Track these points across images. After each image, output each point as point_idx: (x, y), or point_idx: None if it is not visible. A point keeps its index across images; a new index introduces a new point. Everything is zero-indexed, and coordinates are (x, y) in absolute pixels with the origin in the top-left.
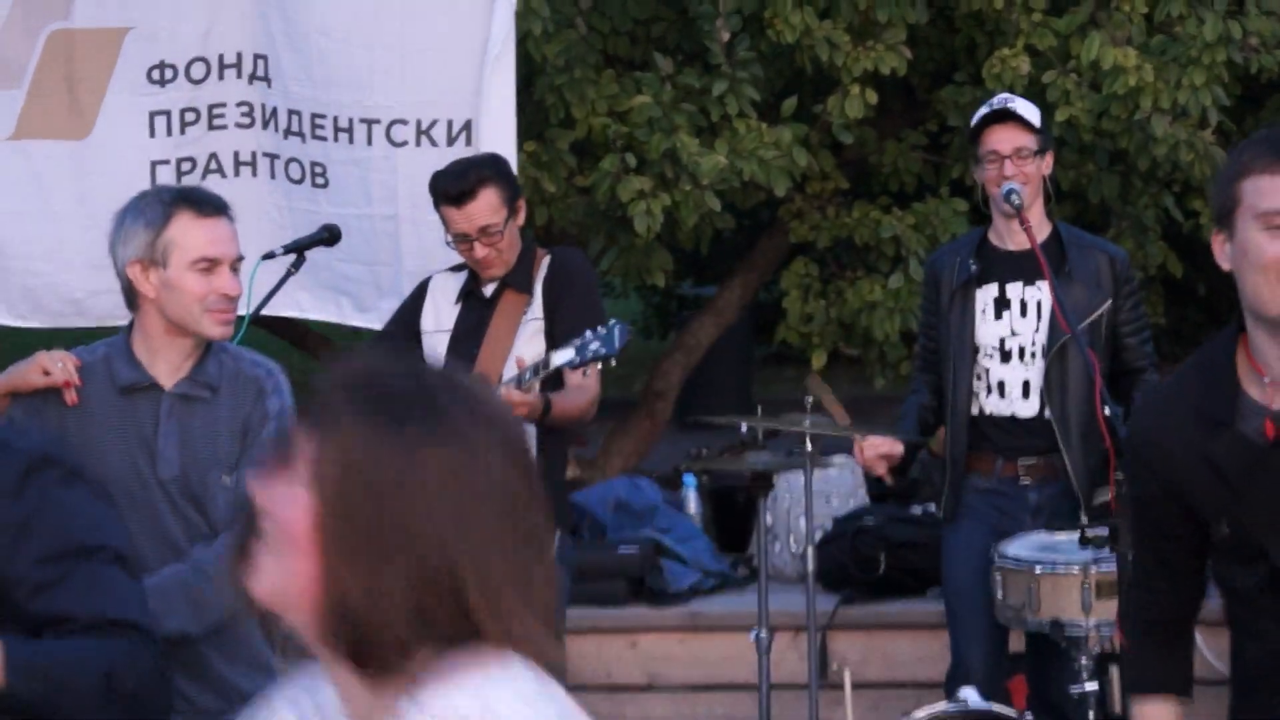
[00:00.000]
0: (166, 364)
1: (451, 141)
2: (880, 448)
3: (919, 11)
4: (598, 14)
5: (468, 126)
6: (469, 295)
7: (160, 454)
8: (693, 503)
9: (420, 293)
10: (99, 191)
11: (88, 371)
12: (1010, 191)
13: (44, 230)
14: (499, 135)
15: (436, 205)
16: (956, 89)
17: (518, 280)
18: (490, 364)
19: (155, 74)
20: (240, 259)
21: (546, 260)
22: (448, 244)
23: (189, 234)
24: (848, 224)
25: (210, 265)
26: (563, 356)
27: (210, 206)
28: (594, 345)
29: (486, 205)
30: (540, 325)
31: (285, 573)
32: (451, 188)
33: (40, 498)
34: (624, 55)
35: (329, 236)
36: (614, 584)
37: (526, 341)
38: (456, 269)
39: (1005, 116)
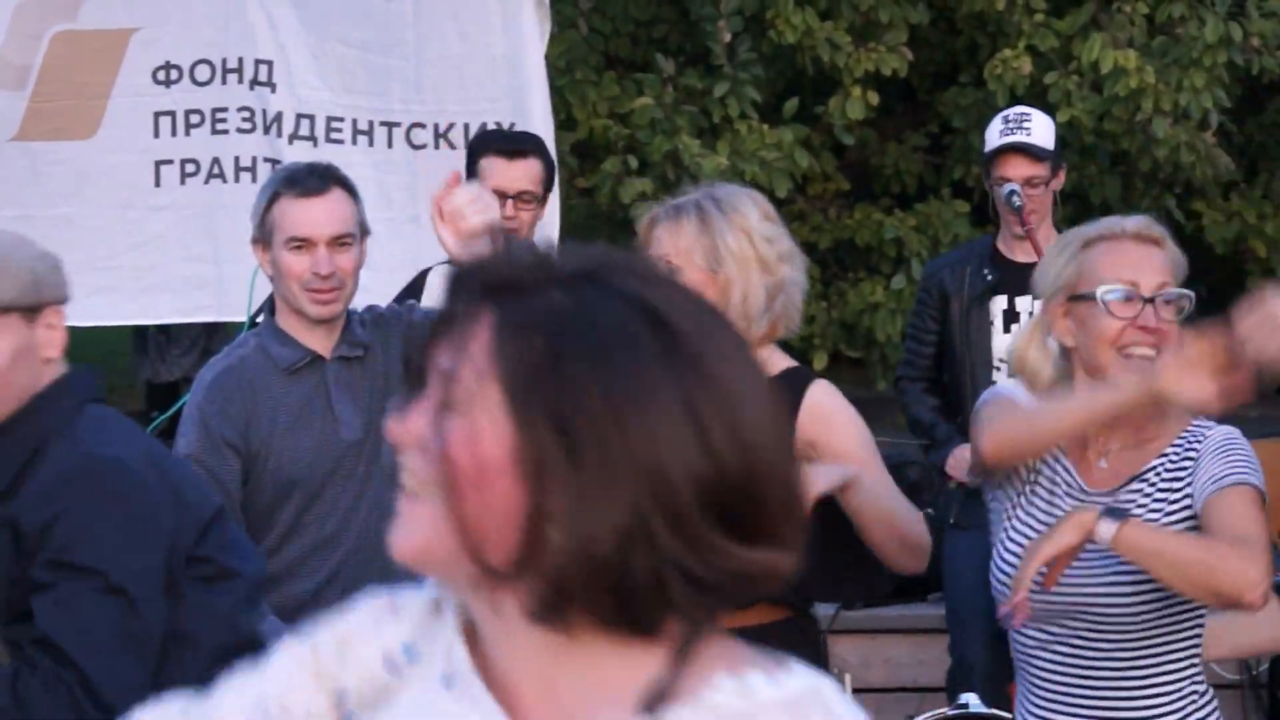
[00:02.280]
0: (317, 334)
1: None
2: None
3: (920, 13)
4: (599, 15)
5: (483, 130)
6: None
7: (341, 419)
8: None
9: (418, 284)
10: (104, 192)
11: (249, 365)
12: (1011, 193)
13: (48, 231)
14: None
15: (478, 158)
16: (959, 90)
17: None
18: None
19: (160, 75)
20: (344, 236)
21: None
22: None
23: (285, 215)
24: (849, 225)
25: (303, 244)
26: None
27: (305, 187)
28: None
29: (534, 171)
30: None
31: (461, 516)
32: (508, 143)
33: (70, 504)
34: (625, 56)
35: None
36: None
37: None
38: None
39: (1019, 148)
